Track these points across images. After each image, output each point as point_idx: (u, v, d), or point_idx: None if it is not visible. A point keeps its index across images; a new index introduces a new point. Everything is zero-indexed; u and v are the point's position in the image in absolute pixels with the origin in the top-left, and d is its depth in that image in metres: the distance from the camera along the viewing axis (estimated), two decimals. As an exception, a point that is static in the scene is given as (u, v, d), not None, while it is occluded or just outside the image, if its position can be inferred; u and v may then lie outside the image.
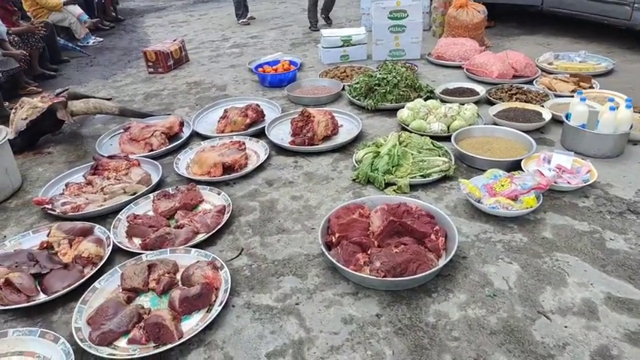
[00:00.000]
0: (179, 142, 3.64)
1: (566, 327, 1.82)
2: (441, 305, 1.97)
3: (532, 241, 2.29)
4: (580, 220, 2.40)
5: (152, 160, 3.35)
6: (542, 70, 4.46)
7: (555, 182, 2.57)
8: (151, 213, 2.79)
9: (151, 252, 2.39)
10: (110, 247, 2.45)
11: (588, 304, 1.92)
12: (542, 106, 3.52)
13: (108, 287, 2.21)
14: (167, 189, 2.94)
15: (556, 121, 3.36)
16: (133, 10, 10.80)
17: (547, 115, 3.35)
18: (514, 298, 1.97)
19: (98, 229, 2.61)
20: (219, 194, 2.87)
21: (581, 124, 2.98)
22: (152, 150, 3.53)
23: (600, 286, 2.00)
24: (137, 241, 2.55)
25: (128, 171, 3.20)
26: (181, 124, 3.82)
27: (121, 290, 2.18)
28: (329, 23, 7.18)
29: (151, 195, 2.91)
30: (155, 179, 3.11)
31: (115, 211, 2.79)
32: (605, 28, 5.27)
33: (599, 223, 2.38)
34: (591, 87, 3.90)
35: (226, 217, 2.62)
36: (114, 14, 9.42)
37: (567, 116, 3.09)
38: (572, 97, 3.39)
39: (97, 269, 2.31)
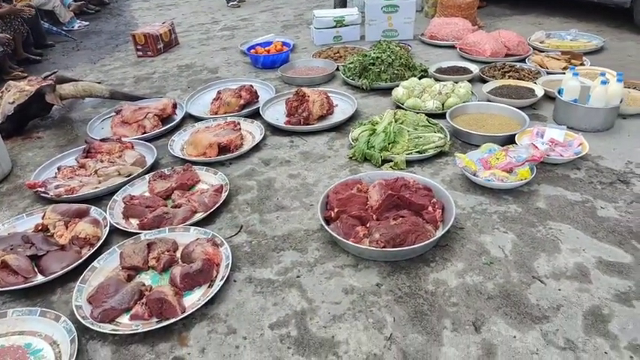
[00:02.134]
0: (172, 124, 3.62)
1: (559, 290, 1.88)
2: (439, 274, 2.01)
3: (526, 211, 2.33)
4: (572, 191, 2.45)
5: (146, 143, 3.33)
6: (534, 48, 4.49)
7: (548, 155, 2.61)
8: (147, 194, 2.79)
9: (150, 231, 2.39)
10: (107, 228, 2.44)
11: (581, 268, 1.97)
12: (535, 83, 3.55)
13: (107, 266, 2.22)
14: (163, 170, 2.93)
15: (548, 97, 3.40)
16: (118, -7, 10.59)
17: (539, 92, 3.39)
18: (510, 264, 2.02)
19: (94, 211, 2.60)
20: (215, 174, 2.87)
21: (573, 99, 3.02)
22: (145, 132, 3.51)
23: (592, 251, 2.06)
24: (134, 221, 2.54)
25: (122, 153, 3.18)
26: (174, 107, 3.79)
27: (120, 269, 2.18)
28: None
29: (147, 176, 2.90)
30: (150, 161, 3.10)
31: (110, 193, 2.78)
32: (595, 7, 5.31)
33: (591, 193, 2.43)
34: (582, 64, 3.94)
35: (224, 195, 2.63)
36: (99, -2, 9.24)
37: (560, 91, 3.12)
38: (564, 74, 3.42)
39: (94, 249, 2.31)
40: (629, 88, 3.35)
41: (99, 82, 4.55)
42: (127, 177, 2.93)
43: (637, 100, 3.22)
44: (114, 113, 3.76)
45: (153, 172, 2.92)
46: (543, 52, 4.35)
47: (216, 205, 2.56)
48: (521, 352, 1.65)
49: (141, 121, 3.58)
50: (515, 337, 1.71)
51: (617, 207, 2.30)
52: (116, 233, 2.46)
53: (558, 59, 4.02)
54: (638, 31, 4.74)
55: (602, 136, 2.93)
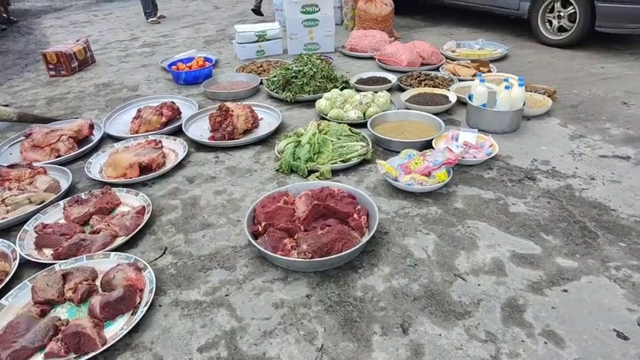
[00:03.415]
0: (89, 145, 3.44)
1: (479, 285, 1.98)
2: (367, 279, 2.04)
3: (446, 212, 2.45)
4: (486, 190, 2.61)
5: (60, 167, 3.14)
6: (447, 57, 4.77)
7: (463, 157, 2.77)
8: (62, 221, 2.61)
9: (65, 261, 2.24)
10: (17, 261, 2.26)
11: (497, 262, 2.09)
12: (448, 90, 3.76)
13: (17, 303, 2.05)
14: (79, 194, 2.77)
15: (461, 103, 3.60)
16: (27, 10, 9.98)
17: (453, 98, 3.59)
18: (433, 265, 2.10)
19: (1, 243, 2.40)
20: (137, 195, 2.75)
21: (482, 104, 3.23)
22: (59, 156, 3.31)
23: (506, 245, 2.19)
24: (48, 251, 2.37)
25: (33, 179, 2.97)
26: (91, 127, 3.61)
27: (33, 304, 2.02)
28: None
29: (62, 202, 2.72)
30: (65, 186, 2.92)
31: (20, 223, 2.58)
32: (499, 18, 5.74)
33: (503, 190, 2.60)
34: (489, 71, 4.23)
35: (146, 217, 2.52)
36: (5, 15, 8.65)
37: (470, 97, 3.33)
38: (474, 80, 3.65)
39: (2, 286, 2.12)
40: (530, 91, 3.64)
41: (5, 105, 4.24)
42: (39, 204, 2.73)
43: (538, 102, 3.50)
44: (23, 137, 3.50)
45: (68, 198, 2.75)
46: (455, 60, 4.63)
47: (139, 228, 2.45)
48: (447, 349, 1.71)
49: (54, 144, 3.37)
50: (440, 335, 1.77)
51: (526, 202, 2.48)
52: (28, 266, 2.28)
53: (468, 67, 4.29)
54: (536, 39, 5.18)
55: (510, 137, 3.16)
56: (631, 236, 2.19)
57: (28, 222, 2.57)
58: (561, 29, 4.97)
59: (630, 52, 4.73)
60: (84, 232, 2.50)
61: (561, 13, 4.89)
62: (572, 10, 4.75)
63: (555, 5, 4.91)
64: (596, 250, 2.12)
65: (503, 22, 5.82)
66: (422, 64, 4.51)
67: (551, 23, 5.03)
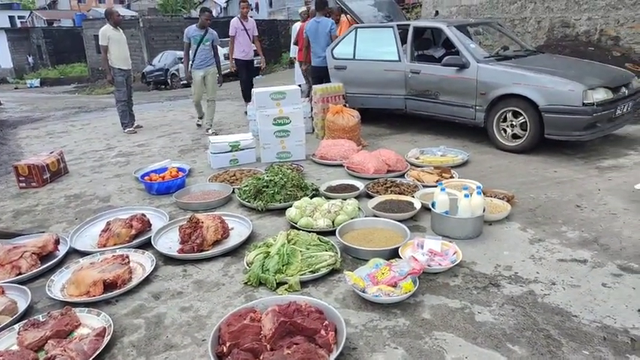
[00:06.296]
0: (53, 261, 3.35)
1: (449, 406, 1.91)
2: (334, 404, 1.96)
3: (413, 323, 2.43)
4: (452, 298, 2.62)
5: (19, 286, 3.03)
6: (411, 164, 5.03)
7: (429, 265, 2.81)
8: (15, 347, 2.47)
9: (13, 394, 2.09)
10: (-41, 398, 2.10)
11: (466, 379, 2.05)
12: (414, 197, 3.92)
13: None
14: (37, 317, 2.65)
15: (426, 208, 3.74)
16: (4, 121, 10.21)
17: (417, 205, 3.74)
18: (402, 384, 2.04)
19: (-57, 378, 2.23)
20: (98, 315, 2.65)
21: (445, 211, 3.36)
22: (20, 274, 3.20)
23: (473, 358, 2.15)
24: (-5, 384, 2.22)
25: (-12, 301, 2.85)
26: (57, 242, 3.55)
27: None
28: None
29: (16, 326, 2.59)
30: (22, 307, 2.79)
31: (-32, 352, 2.43)
32: (459, 125, 6.18)
33: (468, 298, 2.61)
34: (452, 177, 4.46)
35: (106, 339, 2.41)
36: (-18, 128, 8.83)
37: (433, 204, 3.47)
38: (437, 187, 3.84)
39: None
40: (490, 196, 3.82)
41: (-31, 220, 4.18)
42: (-9, 329, 2.59)
43: (498, 207, 3.67)
44: (-17, 255, 3.41)
45: (24, 321, 2.62)
46: (419, 167, 4.88)
47: (97, 352, 2.33)
48: None
49: (16, 261, 3.28)
50: None
51: (491, 310, 2.49)
52: (-30, 402, 2.11)
53: (431, 173, 4.52)
54: (494, 145, 5.55)
55: (474, 243, 3.25)
56: (593, 344, 2.20)
57: (-23, 351, 2.42)
58: (515, 136, 5.36)
59: (579, 156, 5.09)
60: (37, 359, 2.36)
61: (513, 123, 5.32)
62: (523, 120, 5.18)
63: (507, 115, 5.35)
64: (562, 361, 2.11)
65: (464, 129, 6.26)
66: (388, 171, 4.72)
67: (505, 131, 5.44)
